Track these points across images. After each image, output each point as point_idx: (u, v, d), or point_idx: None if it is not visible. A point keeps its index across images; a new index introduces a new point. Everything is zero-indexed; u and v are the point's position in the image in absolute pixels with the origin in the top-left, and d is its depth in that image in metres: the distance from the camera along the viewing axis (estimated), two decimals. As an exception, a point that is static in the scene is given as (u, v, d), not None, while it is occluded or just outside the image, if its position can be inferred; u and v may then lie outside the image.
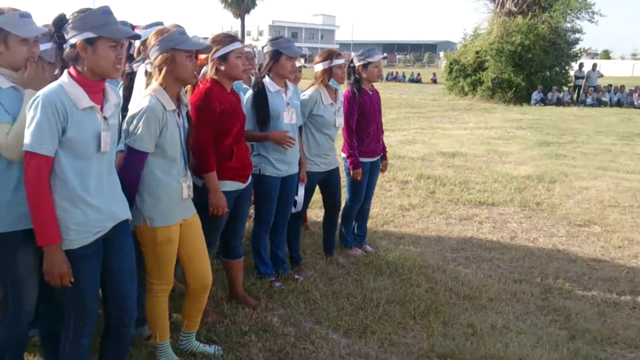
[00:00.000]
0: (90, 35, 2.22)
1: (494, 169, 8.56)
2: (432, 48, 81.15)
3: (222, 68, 3.26)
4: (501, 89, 21.25)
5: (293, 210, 4.26)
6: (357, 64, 4.52)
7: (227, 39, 3.30)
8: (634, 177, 8.06)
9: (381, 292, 4.06)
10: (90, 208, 2.31)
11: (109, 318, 2.57)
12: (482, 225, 5.83)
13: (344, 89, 4.58)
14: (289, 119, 3.92)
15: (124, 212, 2.51)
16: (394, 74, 39.56)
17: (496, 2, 23.05)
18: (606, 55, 58.32)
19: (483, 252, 5.05)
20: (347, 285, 4.21)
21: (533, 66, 20.89)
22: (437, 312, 3.76)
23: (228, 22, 63.95)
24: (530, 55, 20.68)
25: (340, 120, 4.40)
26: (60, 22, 2.28)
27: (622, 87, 21.20)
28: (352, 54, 4.60)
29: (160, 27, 3.02)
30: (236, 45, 3.28)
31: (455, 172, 8.28)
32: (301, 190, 4.21)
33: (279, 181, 3.96)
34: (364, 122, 4.60)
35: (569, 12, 21.72)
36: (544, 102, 20.27)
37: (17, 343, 2.60)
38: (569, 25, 22.03)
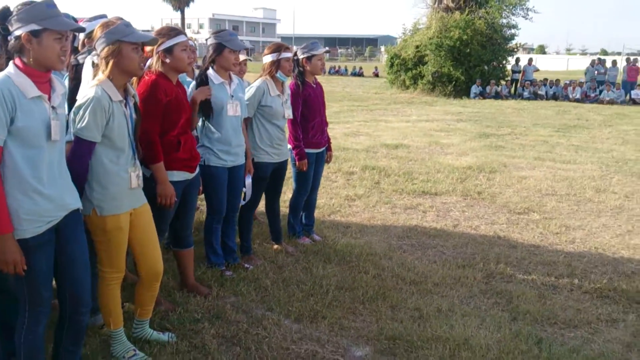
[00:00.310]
0: (35, 27, 2.24)
1: (436, 160, 8.81)
2: (373, 42, 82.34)
3: (168, 61, 3.29)
4: (441, 82, 21.85)
5: (242, 202, 4.27)
6: (300, 56, 4.57)
7: (172, 32, 3.33)
8: (569, 167, 8.48)
9: (330, 279, 4.14)
10: (42, 197, 2.33)
11: (63, 307, 2.59)
12: (426, 214, 6.01)
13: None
14: (233, 111, 3.93)
15: (75, 202, 2.53)
16: (337, 68, 39.87)
17: (434, -3, 23.65)
18: (542, 50, 60.83)
19: (427, 239, 5.21)
20: (296, 272, 4.26)
21: (471, 60, 21.55)
22: (384, 297, 3.87)
23: (168, 15, 62.82)
24: (468, 50, 21.33)
25: (289, 112, 4.44)
26: (4, 14, 2.28)
27: (557, 80, 22.18)
28: (295, 47, 4.64)
29: (105, 19, 3.01)
30: (181, 39, 3.31)
31: (399, 163, 8.47)
32: (248, 181, 4.22)
33: (225, 171, 3.97)
34: (308, 114, 4.68)
35: (505, 8, 22.54)
36: (482, 95, 20.96)
37: None
38: (504, 21, 22.87)
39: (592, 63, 22.97)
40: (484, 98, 20.73)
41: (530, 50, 55.40)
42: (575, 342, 3.37)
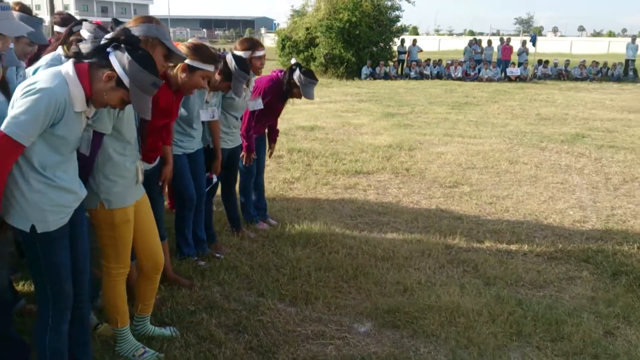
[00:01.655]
0: None
1: (356, 140, 9.11)
2: (250, 24, 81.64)
3: (183, 76, 3.25)
4: (333, 64, 22.33)
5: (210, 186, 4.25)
6: (295, 77, 4.64)
7: (212, 59, 3.29)
8: (477, 142, 9.17)
9: (305, 261, 4.23)
10: (63, 190, 2.29)
11: None
12: (367, 193, 6.25)
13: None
14: (209, 116, 3.96)
15: (83, 190, 2.47)
16: (221, 51, 39.06)
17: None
18: (415, 31, 63.82)
19: (378, 217, 5.45)
20: (269, 257, 4.31)
21: (361, 42, 22.24)
22: (365, 274, 4.04)
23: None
24: (357, 32, 21.97)
25: (257, 103, 4.46)
26: None
27: (440, 60, 23.57)
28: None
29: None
30: (210, 68, 3.30)
31: (322, 145, 8.66)
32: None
33: (185, 158, 3.90)
34: (267, 115, 4.78)
35: (389, -10, 23.45)
36: (373, 76, 21.75)
37: None
38: (389, 3, 23.77)
39: (470, 43, 24.61)
40: (375, 79, 21.54)
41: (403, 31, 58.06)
42: (548, 301, 3.76)
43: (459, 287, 3.88)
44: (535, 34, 27.83)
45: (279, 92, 4.68)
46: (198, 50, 3.25)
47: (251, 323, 3.32)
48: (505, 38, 24.81)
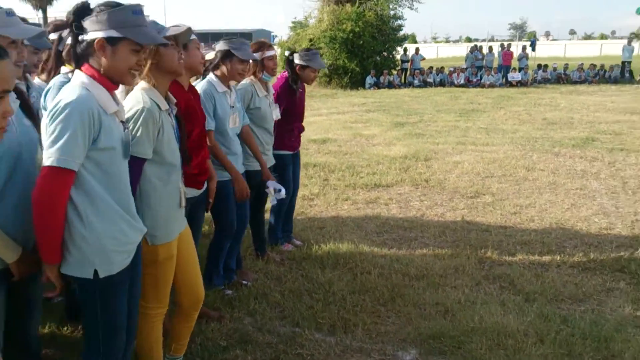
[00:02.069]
0: (114, 34, 1.90)
1: (370, 152, 8.90)
2: (247, 37, 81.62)
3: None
4: (337, 75, 22.15)
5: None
6: (297, 62, 4.38)
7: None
8: (491, 149, 8.94)
9: (336, 283, 4.00)
10: (126, 223, 2.05)
11: None
12: (389, 207, 6.03)
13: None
14: (233, 123, 3.66)
15: (141, 223, 2.21)
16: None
17: (325, -9, 23.87)
18: (413, 39, 63.67)
19: (405, 232, 5.23)
20: (300, 282, 4.08)
21: (364, 52, 22.05)
22: (401, 295, 3.81)
23: (28, 14, 57.86)
24: (361, 42, 21.80)
25: (276, 113, 4.22)
26: (81, 10, 1.92)
27: (442, 68, 23.36)
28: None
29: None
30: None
31: (337, 158, 8.45)
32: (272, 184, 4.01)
33: (229, 183, 3.67)
34: (290, 117, 4.49)
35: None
36: (377, 85, 21.55)
37: None
38: (392, 12, 23.61)
39: (471, 50, 24.42)
40: (379, 88, 21.33)
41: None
42: (591, 316, 3.53)
43: (500, 306, 3.65)
44: (535, 39, 27.60)
45: (290, 86, 4.44)
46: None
47: (290, 358, 3.09)
48: (505, 44, 24.62)
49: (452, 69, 22.77)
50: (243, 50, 3.51)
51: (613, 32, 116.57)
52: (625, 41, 27.04)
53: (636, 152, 8.58)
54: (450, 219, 5.59)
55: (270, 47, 4.13)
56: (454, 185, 6.80)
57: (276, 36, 46.47)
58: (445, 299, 3.74)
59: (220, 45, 3.54)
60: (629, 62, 24.26)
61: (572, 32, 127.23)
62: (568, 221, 5.43)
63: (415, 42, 61.16)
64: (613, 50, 52.91)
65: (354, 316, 3.52)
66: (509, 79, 22.01)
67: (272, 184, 3.99)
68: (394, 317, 3.55)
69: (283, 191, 4.02)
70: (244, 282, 4.07)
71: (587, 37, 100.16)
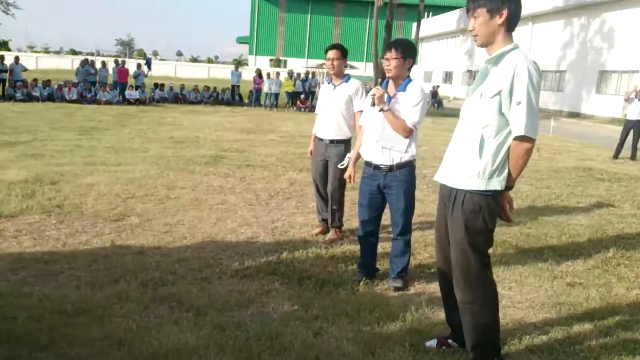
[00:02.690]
0: None
1: (-22, 177, 7.79)
2: None
3: None
4: None
5: None
6: None
7: None
8: (125, 169, 8.93)
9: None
10: None
11: None
12: (19, 240, 5.41)
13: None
14: None
15: None
16: None
17: None
18: (7, 47, 57.83)
19: (47, 265, 4.76)
20: None
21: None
22: (63, 336, 3.51)
23: None
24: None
25: None
26: None
27: (49, 81, 22.03)
28: None
29: None
30: None
31: None
32: None
33: None
34: None
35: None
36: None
37: None
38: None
39: (82, 64, 23.76)
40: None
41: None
42: (259, 318, 3.93)
43: (174, 325, 3.73)
44: (150, 58, 28.66)
45: None
46: None
47: None
48: (120, 60, 24.81)
49: (61, 83, 21.74)
50: None
51: (216, 57, 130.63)
52: (231, 66, 30.65)
53: (260, 167, 9.87)
54: (99, 245, 5.38)
55: None
56: (94, 209, 6.56)
57: None
58: (115, 331, 3.61)
59: None
60: (238, 86, 27.62)
61: (179, 54, 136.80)
62: (218, 234, 5.89)
63: (9, 49, 55.93)
64: (220, 73, 59.30)
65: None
66: (127, 97, 22.33)
67: None
68: (58, 362, 3.25)
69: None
70: None
71: (194, 60, 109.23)
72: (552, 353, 3.60)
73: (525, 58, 2.96)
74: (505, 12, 3.01)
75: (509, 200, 3.22)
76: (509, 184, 3.10)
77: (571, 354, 3.60)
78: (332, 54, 5.64)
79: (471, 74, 47.76)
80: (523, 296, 4.61)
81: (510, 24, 3.06)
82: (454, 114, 28.27)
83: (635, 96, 13.89)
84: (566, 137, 19.67)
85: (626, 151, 14.13)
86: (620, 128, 15.19)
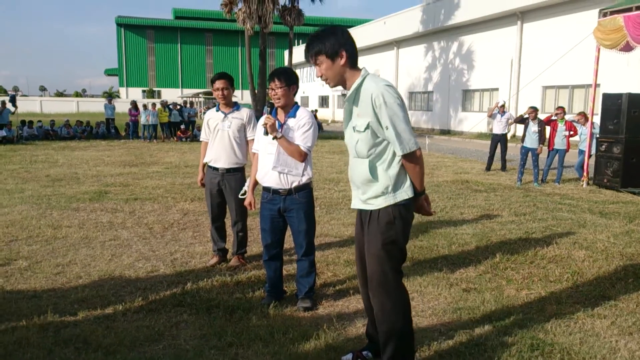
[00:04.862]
0: None
1: None
2: None
3: None
4: None
5: None
6: None
7: None
8: (3, 212, 8.34)
9: None
10: None
11: None
12: None
13: None
14: None
15: None
16: None
17: None
18: None
19: None
20: None
21: None
22: None
23: None
24: None
25: None
26: None
27: None
28: None
29: None
30: None
31: None
32: None
33: None
34: None
35: None
36: None
37: None
38: None
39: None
40: None
41: None
42: (172, 351, 3.88)
43: (85, 368, 3.60)
44: (15, 94, 26.84)
45: None
46: None
47: None
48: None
49: None
50: None
51: (84, 90, 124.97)
52: (102, 99, 29.56)
53: (150, 200, 9.63)
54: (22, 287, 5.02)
55: None
56: (-27, 255, 6.09)
57: None
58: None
59: None
60: (113, 119, 26.65)
61: (43, 89, 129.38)
62: (115, 271, 5.70)
63: None
64: (90, 107, 56.76)
65: None
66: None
67: None
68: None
69: None
70: None
71: (60, 94, 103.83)
72: (459, 356, 3.83)
73: (376, 84, 3.18)
74: (344, 53, 3.26)
75: (425, 198, 3.42)
76: (418, 190, 3.31)
77: (477, 355, 3.85)
78: (220, 83, 5.71)
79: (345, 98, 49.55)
80: (425, 305, 4.89)
81: (352, 61, 3.31)
82: (335, 136, 29.29)
83: (498, 112, 15.10)
84: (441, 153, 21.00)
85: (496, 163, 15.34)
86: (488, 142, 16.45)
